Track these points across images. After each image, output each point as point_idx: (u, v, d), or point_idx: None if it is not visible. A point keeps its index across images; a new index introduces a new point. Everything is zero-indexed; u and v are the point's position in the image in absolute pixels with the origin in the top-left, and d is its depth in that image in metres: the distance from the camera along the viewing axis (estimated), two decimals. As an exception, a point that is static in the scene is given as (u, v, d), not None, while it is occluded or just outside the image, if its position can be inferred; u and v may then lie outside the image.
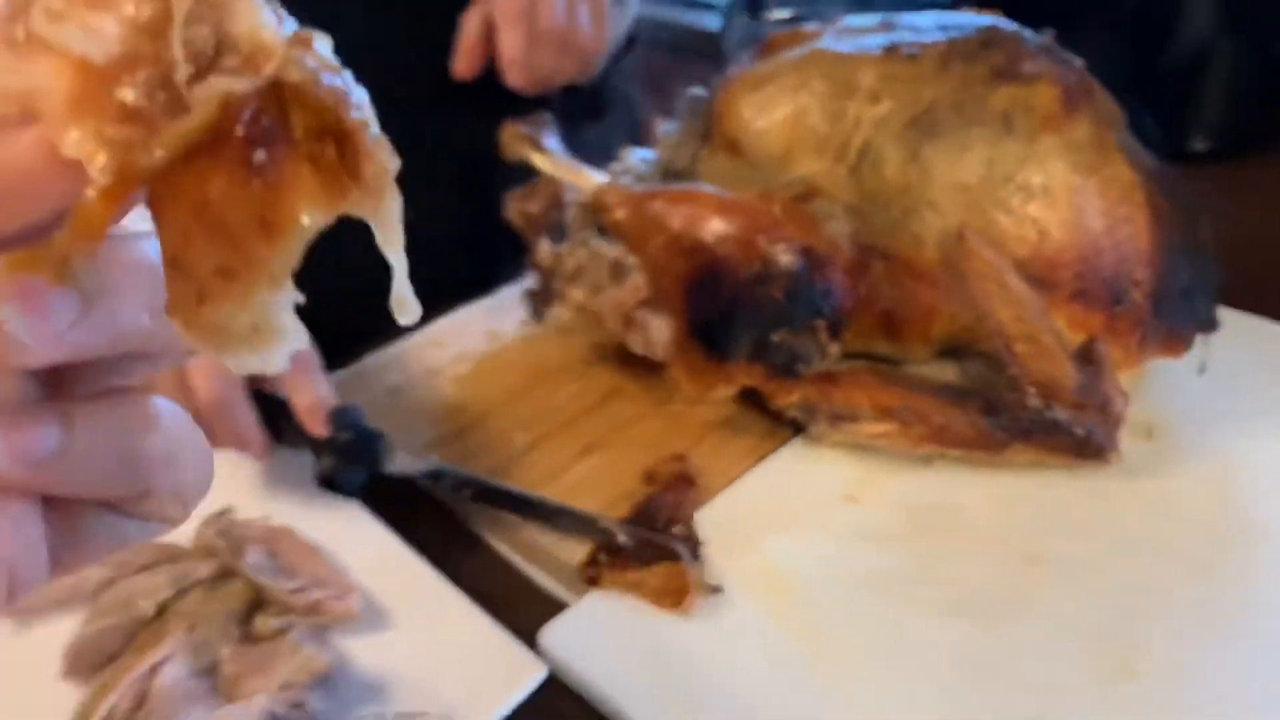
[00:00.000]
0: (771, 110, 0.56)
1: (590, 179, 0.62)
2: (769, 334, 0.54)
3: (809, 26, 0.60)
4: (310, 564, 0.52)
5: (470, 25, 0.71)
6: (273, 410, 0.57)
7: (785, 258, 0.52)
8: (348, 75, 0.18)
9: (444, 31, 0.77)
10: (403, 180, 0.19)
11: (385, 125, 0.18)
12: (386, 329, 0.67)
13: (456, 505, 0.59)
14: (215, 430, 0.54)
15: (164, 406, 0.21)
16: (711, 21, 1.45)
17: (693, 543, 0.51)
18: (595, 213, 0.60)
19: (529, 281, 0.70)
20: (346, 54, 0.18)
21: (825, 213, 0.54)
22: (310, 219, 0.17)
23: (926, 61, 0.54)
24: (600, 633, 0.49)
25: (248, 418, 0.55)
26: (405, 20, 0.79)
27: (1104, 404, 0.54)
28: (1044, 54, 0.55)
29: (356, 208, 0.18)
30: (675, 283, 0.55)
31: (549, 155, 0.64)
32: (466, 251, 0.87)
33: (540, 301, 0.69)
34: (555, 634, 0.49)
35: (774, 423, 0.61)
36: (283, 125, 0.17)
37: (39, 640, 0.50)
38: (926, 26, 0.57)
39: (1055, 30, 0.58)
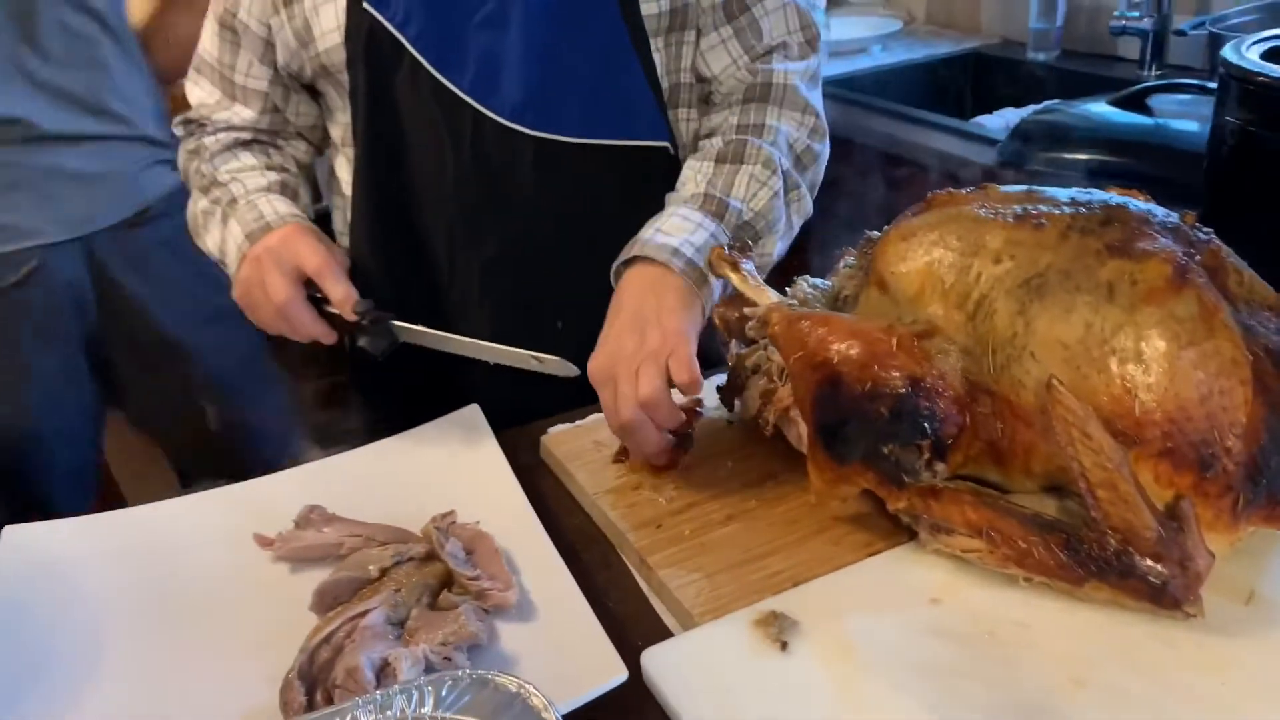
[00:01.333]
0: (913, 258, 0.66)
1: (769, 296, 0.75)
2: (880, 445, 0.64)
3: (967, 190, 0.70)
4: (492, 563, 0.68)
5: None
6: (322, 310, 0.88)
7: (893, 381, 0.62)
8: None
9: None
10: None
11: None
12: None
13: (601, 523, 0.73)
14: (290, 327, 0.88)
15: None
16: (985, 155, 1.52)
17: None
18: (761, 325, 0.72)
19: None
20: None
21: (941, 350, 0.63)
22: None
23: (1050, 231, 0.62)
24: (690, 664, 0.61)
25: (308, 315, 0.87)
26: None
27: (1184, 559, 0.58)
28: (1168, 233, 0.61)
29: None
30: (806, 390, 0.66)
31: (744, 275, 0.78)
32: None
33: (729, 392, 0.83)
34: (655, 654, 0.61)
35: (894, 526, 0.70)
36: None
37: (304, 580, 0.70)
38: (1063, 199, 0.64)
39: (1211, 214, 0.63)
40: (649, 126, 0.96)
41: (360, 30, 0.90)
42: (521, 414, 0.93)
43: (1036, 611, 0.62)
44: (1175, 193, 1.26)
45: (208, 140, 1.02)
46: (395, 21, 0.89)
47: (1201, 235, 0.63)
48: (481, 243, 0.96)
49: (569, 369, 0.84)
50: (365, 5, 0.89)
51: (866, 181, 1.80)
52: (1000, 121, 1.75)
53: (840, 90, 1.96)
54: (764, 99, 0.95)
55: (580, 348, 0.85)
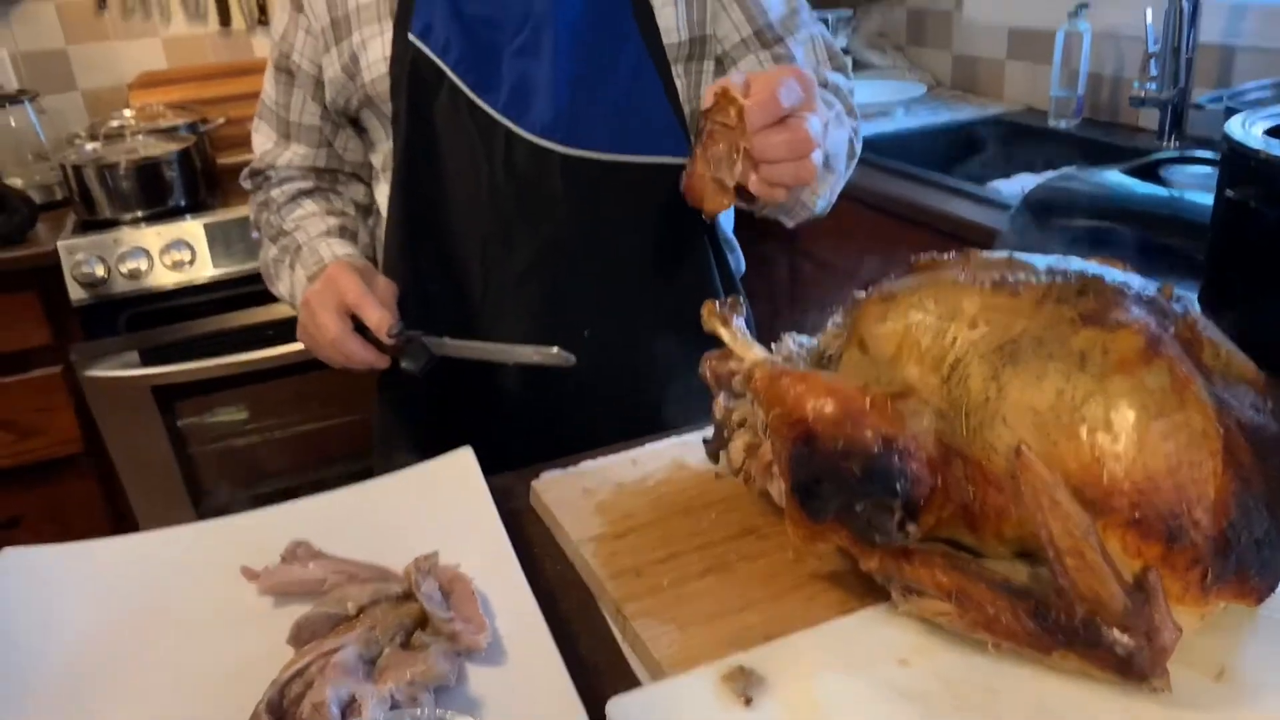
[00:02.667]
0: (892, 320, 0.67)
1: (754, 353, 0.76)
2: (853, 503, 0.64)
3: (948, 256, 0.71)
4: (467, 605, 0.69)
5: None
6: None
7: (866, 441, 0.62)
8: None
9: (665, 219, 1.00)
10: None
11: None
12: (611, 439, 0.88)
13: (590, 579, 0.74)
14: (345, 359, 0.95)
15: None
16: (997, 220, 1.53)
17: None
18: (746, 380, 0.73)
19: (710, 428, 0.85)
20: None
21: (915, 411, 0.64)
22: None
23: (1025, 298, 0.63)
24: (654, 716, 0.61)
25: (357, 346, 0.94)
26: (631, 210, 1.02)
27: (1151, 631, 0.57)
28: (1143, 304, 0.62)
29: None
30: (784, 446, 0.67)
31: (733, 331, 0.79)
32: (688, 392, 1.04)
33: (714, 446, 0.83)
34: (620, 704, 0.62)
35: (870, 585, 0.70)
36: None
37: (287, 614, 0.71)
38: (1040, 267, 0.65)
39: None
40: (672, 144, 1.03)
41: (405, 60, 0.97)
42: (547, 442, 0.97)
43: (1005, 678, 0.61)
44: (1185, 264, 1.27)
45: (274, 193, 1.12)
46: (437, 50, 0.97)
47: (1177, 307, 0.63)
48: (513, 255, 1.02)
49: (566, 359, 0.91)
50: (410, 37, 0.97)
51: (879, 243, 1.82)
52: (1017, 187, 1.77)
53: (862, 152, 1.98)
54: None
55: (607, 355, 0.96)
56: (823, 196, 1.02)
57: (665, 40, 1.00)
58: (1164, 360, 0.59)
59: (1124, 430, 0.58)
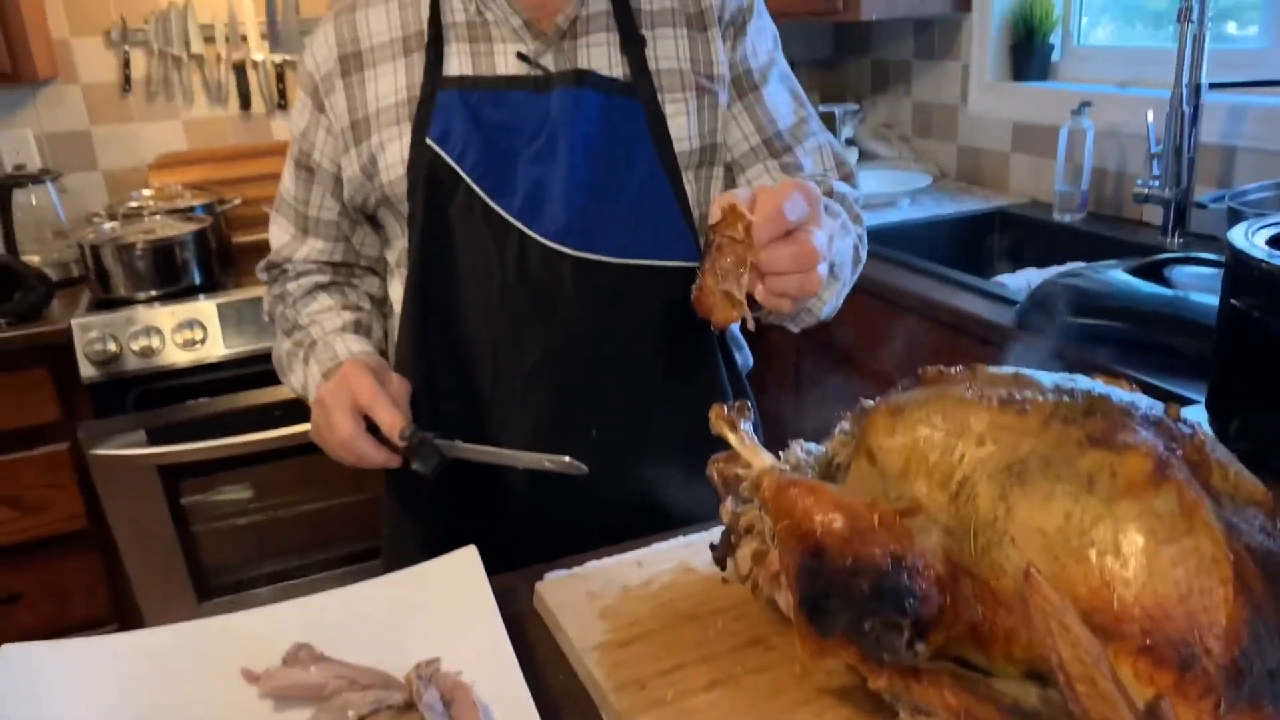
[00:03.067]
0: (901, 433, 0.68)
1: (763, 460, 0.76)
2: (861, 621, 0.64)
3: (956, 370, 0.71)
4: (468, 714, 0.68)
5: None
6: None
7: (875, 558, 0.62)
8: None
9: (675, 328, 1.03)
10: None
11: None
12: (618, 538, 0.88)
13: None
14: (356, 458, 0.96)
15: None
16: (1003, 315, 1.55)
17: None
18: (754, 488, 0.73)
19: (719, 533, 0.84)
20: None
21: (924, 528, 0.64)
22: None
23: (1032, 417, 0.63)
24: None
25: (369, 446, 0.96)
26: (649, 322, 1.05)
27: (1165, 761, 0.56)
28: (1150, 426, 0.62)
29: None
30: (792, 560, 0.66)
31: (741, 435, 0.79)
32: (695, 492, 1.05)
33: (721, 551, 0.83)
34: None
35: (879, 703, 0.69)
36: None
37: (287, 718, 0.70)
38: (1047, 386, 0.66)
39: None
40: (681, 248, 1.05)
41: (422, 163, 1.00)
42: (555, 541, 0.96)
43: (1015, 805, 0.60)
44: (1191, 366, 1.27)
45: (291, 286, 1.14)
46: (454, 155, 1.00)
47: (1185, 429, 0.64)
48: (523, 355, 1.03)
49: (578, 468, 0.91)
50: (428, 141, 1.00)
51: (884, 335, 1.83)
52: (1022, 281, 1.78)
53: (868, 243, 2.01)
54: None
55: (613, 456, 0.96)
56: (828, 304, 1.03)
57: (677, 148, 1.03)
58: (1172, 484, 0.59)
59: (1133, 555, 0.58)
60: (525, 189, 1.00)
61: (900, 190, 2.38)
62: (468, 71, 1.02)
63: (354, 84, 1.04)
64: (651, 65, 1.03)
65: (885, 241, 2.04)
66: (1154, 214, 1.97)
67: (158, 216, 2.20)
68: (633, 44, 1.03)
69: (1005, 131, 2.40)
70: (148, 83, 2.49)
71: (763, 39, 1.10)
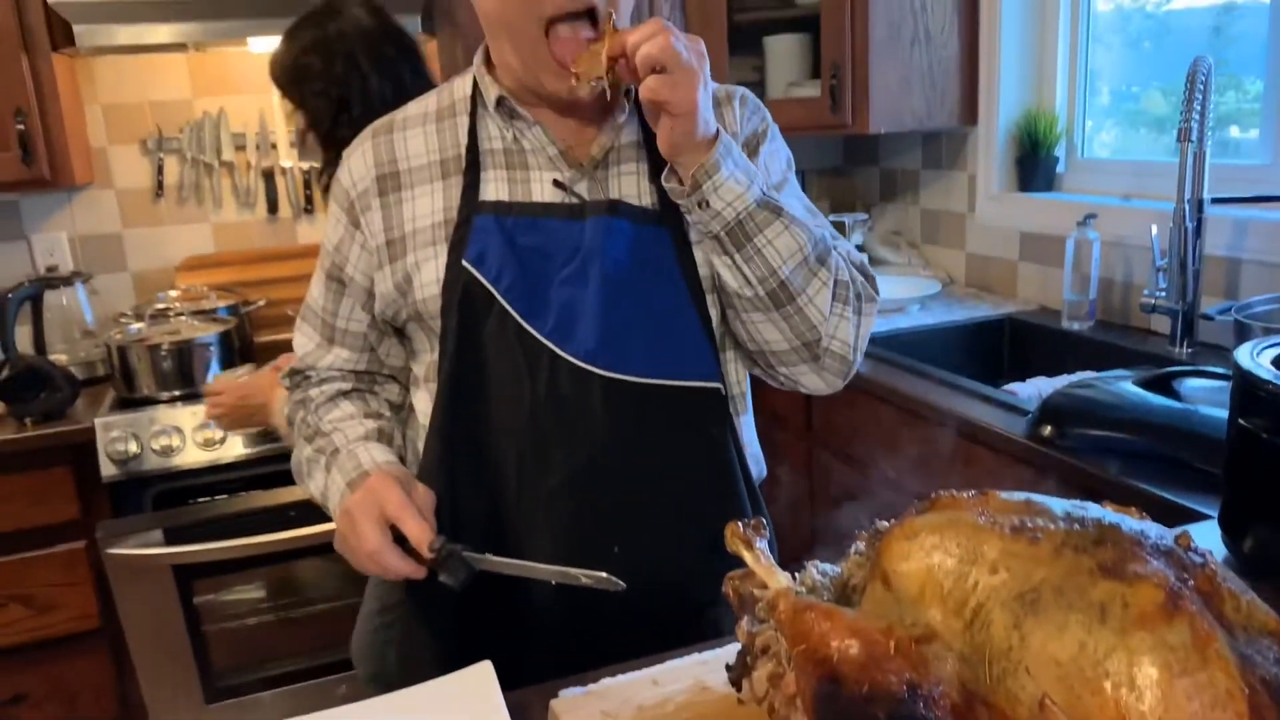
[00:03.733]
0: (915, 559, 0.69)
1: (778, 580, 0.77)
2: (878, 748, 0.64)
3: (969, 495, 0.73)
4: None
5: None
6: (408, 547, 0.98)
7: (892, 685, 0.63)
8: None
9: (687, 449, 1.06)
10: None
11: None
12: (635, 653, 0.88)
13: None
14: (382, 569, 0.98)
15: None
16: (1014, 425, 1.56)
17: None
18: (770, 609, 0.74)
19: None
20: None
21: (939, 656, 0.64)
22: None
23: (1044, 546, 0.65)
24: None
25: (395, 558, 0.98)
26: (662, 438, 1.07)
27: None
28: (1160, 556, 0.63)
29: None
30: (808, 685, 0.67)
31: (757, 554, 0.80)
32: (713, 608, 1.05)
33: (737, 672, 0.83)
34: None
35: (897, 831, 0.68)
36: None
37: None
38: (1058, 513, 0.67)
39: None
40: (704, 370, 1.08)
41: (457, 283, 1.04)
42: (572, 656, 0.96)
43: None
44: (1202, 480, 1.28)
45: (313, 392, 1.16)
46: (490, 277, 1.03)
47: (1196, 558, 0.65)
48: (548, 472, 1.05)
49: (615, 584, 0.93)
50: (464, 263, 1.03)
51: (897, 441, 1.84)
52: (1032, 390, 1.80)
53: (877, 349, 2.04)
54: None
55: (635, 572, 0.95)
56: (838, 333, 1.05)
57: (700, 272, 1.06)
58: (1185, 616, 0.60)
59: (1148, 688, 0.58)
60: (557, 311, 1.03)
61: (910, 296, 2.42)
62: (504, 197, 1.06)
63: (391, 203, 1.08)
64: None
65: (896, 347, 2.07)
66: (1162, 323, 2.00)
67: (183, 317, 2.26)
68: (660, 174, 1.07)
69: (1013, 240, 2.45)
70: (179, 188, 2.57)
71: (776, 160, 1.15)
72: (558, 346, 1.03)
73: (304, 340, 1.19)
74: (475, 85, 1.09)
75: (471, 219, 1.05)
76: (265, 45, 2.46)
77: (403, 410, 1.20)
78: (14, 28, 2.06)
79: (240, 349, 2.29)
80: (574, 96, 1.01)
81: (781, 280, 1.01)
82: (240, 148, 2.60)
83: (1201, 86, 1.73)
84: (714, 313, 1.09)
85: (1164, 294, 1.89)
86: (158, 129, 2.53)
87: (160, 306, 2.33)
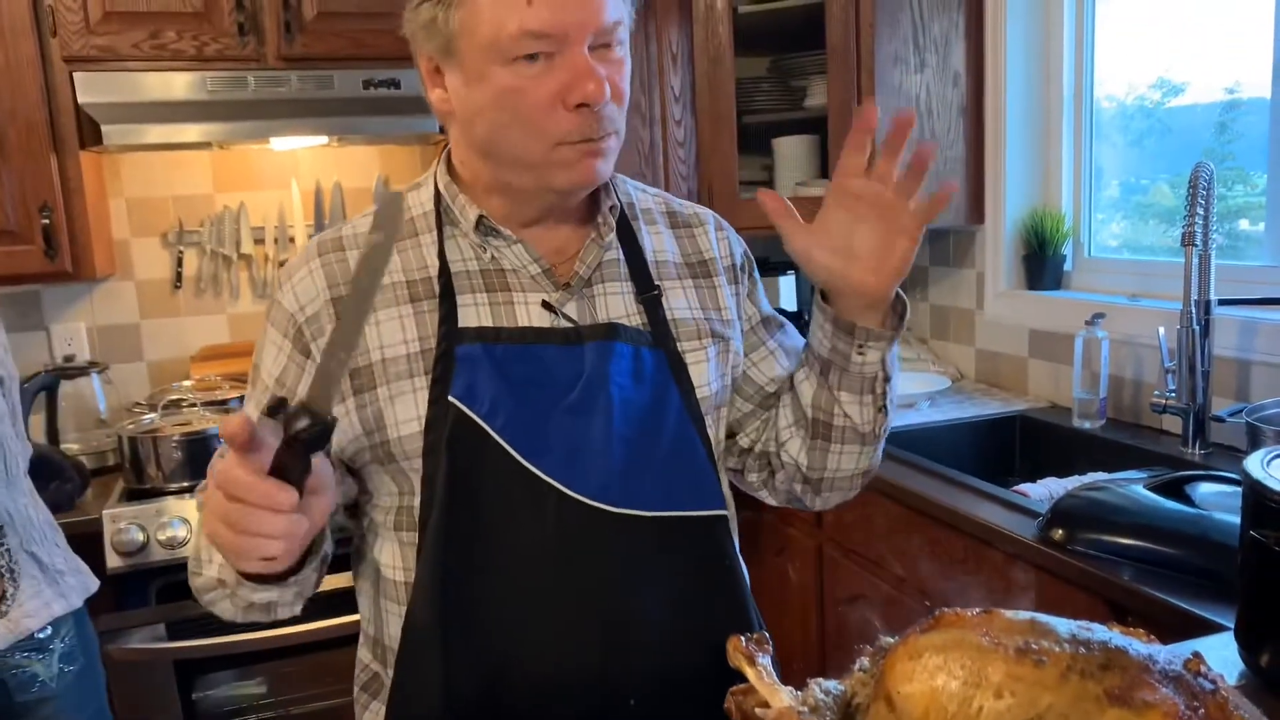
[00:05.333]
0: (919, 680, 0.68)
1: (781, 699, 0.76)
2: None
3: (973, 613, 0.72)
4: None
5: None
6: None
7: (895, 817, 0.61)
8: None
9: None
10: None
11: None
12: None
13: None
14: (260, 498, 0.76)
15: None
16: (1024, 527, 1.54)
17: None
18: (772, 730, 0.73)
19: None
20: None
21: (944, 783, 0.63)
22: None
23: (1050, 670, 0.63)
24: None
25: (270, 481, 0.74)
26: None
27: None
28: (1169, 682, 0.62)
29: None
30: (810, 811, 0.65)
31: (759, 670, 0.79)
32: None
33: (740, 790, 0.81)
34: None
35: None
36: None
37: None
38: (1064, 635, 0.66)
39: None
40: (713, 497, 1.05)
41: (443, 422, 0.94)
42: None
43: None
44: (1216, 587, 1.26)
45: None
46: (482, 413, 0.94)
47: (1207, 684, 0.63)
48: (559, 611, 0.96)
49: None
50: (451, 398, 0.94)
51: (905, 540, 1.82)
52: (1044, 491, 1.79)
53: (889, 445, 2.02)
54: None
55: (655, 701, 0.92)
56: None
57: (699, 393, 1.03)
58: (1195, 746, 0.59)
59: (1159, 822, 0.57)
60: (563, 446, 0.96)
61: (919, 392, 2.42)
62: (488, 322, 0.98)
63: None
64: (668, 314, 1.04)
65: (905, 444, 2.06)
66: (1173, 423, 1.99)
67: (196, 408, 2.27)
68: (650, 294, 1.04)
69: (1022, 337, 2.46)
70: (198, 279, 2.62)
71: (759, 284, 1.19)
72: (565, 485, 0.95)
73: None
74: (438, 201, 1.03)
75: (454, 349, 0.96)
76: (287, 144, 2.54)
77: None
78: (45, 126, 2.13)
79: (251, 440, 2.29)
80: (588, 187, 0.98)
81: (887, 415, 1.07)
82: (259, 241, 2.65)
83: (1205, 190, 1.75)
84: (712, 434, 1.06)
85: (1174, 394, 1.88)
86: (179, 222, 2.58)
87: (174, 397, 2.35)
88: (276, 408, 0.74)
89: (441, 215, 1.02)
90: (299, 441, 0.73)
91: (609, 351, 0.99)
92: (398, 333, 0.98)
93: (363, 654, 1.11)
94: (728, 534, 1.06)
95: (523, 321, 0.99)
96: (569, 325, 1.00)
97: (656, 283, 1.06)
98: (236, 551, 0.78)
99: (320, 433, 0.74)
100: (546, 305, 1.00)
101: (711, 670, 0.91)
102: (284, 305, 1.01)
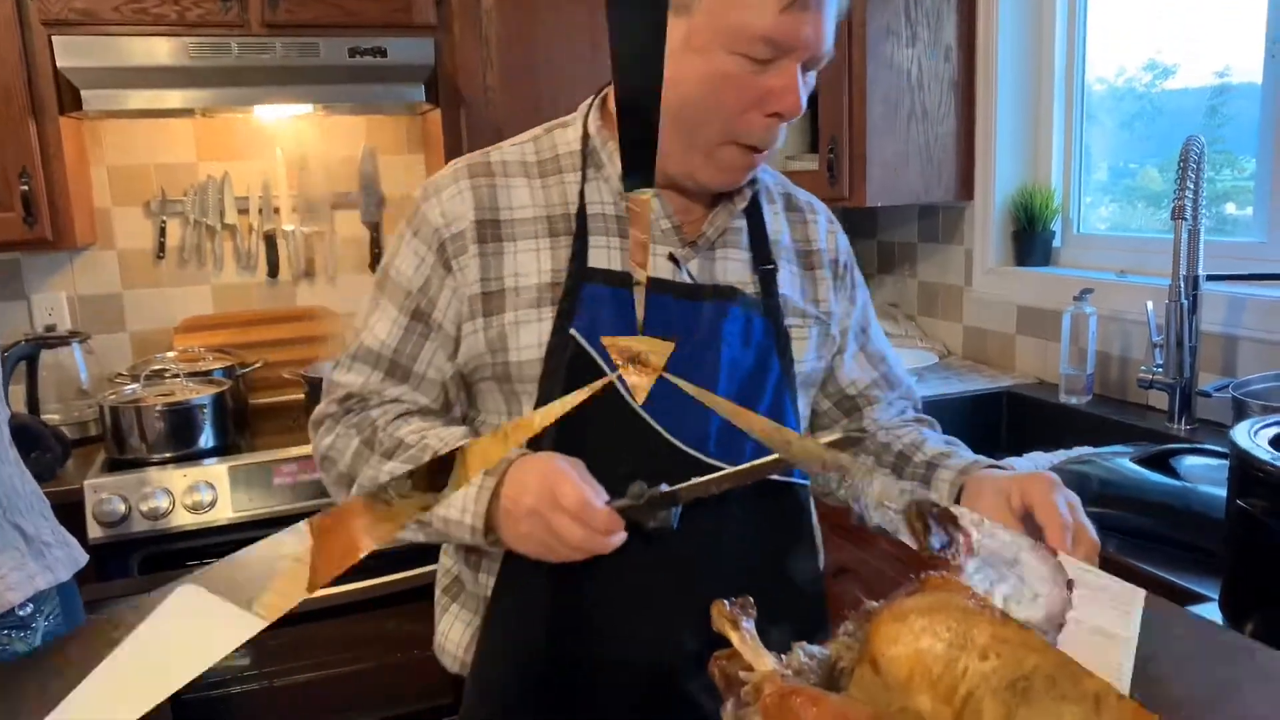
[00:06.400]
0: (904, 642, 0.67)
1: (765, 662, 0.75)
2: (865, 842, 0.62)
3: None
4: None
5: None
6: None
7: (879, 778, 0.61)
8: None
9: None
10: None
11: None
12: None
13: None
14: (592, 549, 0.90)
15: None
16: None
17: None
18: (755, 692, 0.72)
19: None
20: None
21: (928, 744, 0.62)
22: None
23: (1036, 632, 0.63)
24: None
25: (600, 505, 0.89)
26: None
27: None
28: (1155, 645, 0.61)
29: None
30: (793, 773, 0.65)
31: (742, 634, 0.78)
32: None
33: (723, 756, 0.81)
34: None
35: None
36: None
37: None
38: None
39: None
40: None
41: (563, 352, 0.99)
42: None
43: None
44: (1202, 560, 1.26)
45: (374, 413, 1.05)
46: (600, 351, 0.98)
47: (1192, 647, 0.63)
48: (644, 552, 0.98)
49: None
50: (573, 331, 0.99)
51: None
52: (1029, 465, 1.78)
53: (875, 421, 2.02)
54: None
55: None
56: None
57: (797, 369, 1.08)
58: (1180, 707, 0.58)
59: (1144, 783, 0.56)
60: (668, 394, 0.94)
61: (908, 368, 2.41)
62: (616, 266, 1.02)
63: (490, 253, 1.02)
64: (780, 289, 1.09)
65: (893, 420, 2.05)
66: (1160, 399, 1.99)
67: (179, 379, 2.25)
68: (767, 266, 1.08)
69: (1010, 314, 2.45)
70: (181, 249, 2.59)
71: (860, 290, 1.22)
72: (670, 433, 0.98)
73: (359, 379, 1.06)
74: (585, 143, 1.06)
75: (581, 286, 1.00)
76: (271, 112, 2.50)
77: None
78: (23, 90, 2.09)
79: (234, 411, 2.28)
80: (725, 189, 1.04)
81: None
82: (243, 211, 2.62)
83: (1195, 165, 1.75)
84: (803, 409, 1.10)
85: (1161, 370, 1.88)
86: (161, 191, 2.55)
87: (156, 368, 2.32)
88: (643, 493, 0.93)
89: (587, 156, 1.06)
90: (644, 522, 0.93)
91: (724, 312, 1.03)
92: (532, 263, 1.02)
93: (445, 559, 1.16)
94: (809, 504, 1.11)
95: (649, 270, 1.03)
96: (690, 282, 1.04)
97: (773, 258, 1.10)
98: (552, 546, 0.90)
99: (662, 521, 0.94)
100: (672, 258, 1.04)
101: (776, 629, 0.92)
102: (430, 219, 1.04)
